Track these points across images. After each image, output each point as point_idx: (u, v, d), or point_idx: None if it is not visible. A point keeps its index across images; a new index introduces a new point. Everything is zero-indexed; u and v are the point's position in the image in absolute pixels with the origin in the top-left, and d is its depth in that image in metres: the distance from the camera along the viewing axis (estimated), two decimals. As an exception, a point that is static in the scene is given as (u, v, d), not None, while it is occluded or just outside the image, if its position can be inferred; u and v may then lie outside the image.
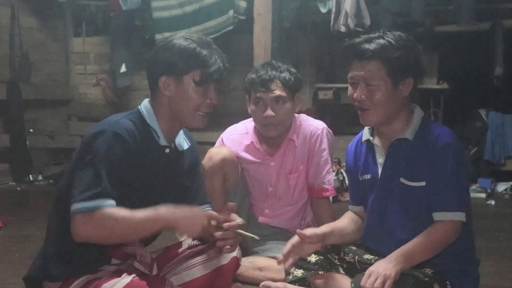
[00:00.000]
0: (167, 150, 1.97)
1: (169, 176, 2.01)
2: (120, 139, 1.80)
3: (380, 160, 2.11)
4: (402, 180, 2.04)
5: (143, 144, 1.88)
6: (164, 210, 1.81)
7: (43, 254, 1.90)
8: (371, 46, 1.97)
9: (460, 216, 1.98)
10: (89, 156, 1.78)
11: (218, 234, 1.95)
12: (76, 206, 1.74)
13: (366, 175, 2.16)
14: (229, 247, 1.98)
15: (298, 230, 2.07)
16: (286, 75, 2.59)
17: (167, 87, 1.90)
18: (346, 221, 2.25)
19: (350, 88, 2.07)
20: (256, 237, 2.04)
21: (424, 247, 1.95)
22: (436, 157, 1.98)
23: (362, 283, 1.88)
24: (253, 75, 2.62)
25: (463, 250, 2.06)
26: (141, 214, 1.78)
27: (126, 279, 1.77)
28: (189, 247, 2.12)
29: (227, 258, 2.07)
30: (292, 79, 2.60)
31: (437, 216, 1.98)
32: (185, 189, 2.09)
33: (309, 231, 2.10)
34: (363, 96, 2.01)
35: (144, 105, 1.96)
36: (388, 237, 2.08)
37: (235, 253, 2.07)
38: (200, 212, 1.89)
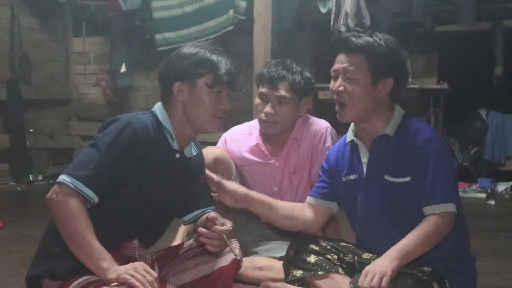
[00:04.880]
0: (178, 155, 2.01)
1: (175, 179, 2.03)
2: (131, 130, 1.85)
3: (365, 159, 2.13)
4: (386, 177, 2.06)
5: (155, 143, 1.92)
6: (109, 259, 1.76)
7: (45, 252, 1.91)
8: (358, 40, 2.04)
9: (450, 207, 1.98)
10: (97, 139, 1.86)
11: (200, 229, 1.98)
12: (62, 176, 1.80)
13: (351, 176, 2.17)
14: (212, 247, 1.99)
15: (217, 178, 2.13)
16: (296, 77, 2.57)
17: (181, 93, 1.96)
18: (286, 205, 2.30)
19: (332, 81, 2.10)
20: (236, 253, 2.04)
21: (418, 242, 1.95)
22: (418, 152, 2.01)
23: (359, 283, 1.88)
24: (264, 70, 2.63)
25: (457, 246, 2.06)
26: (89, 236, 1.76)
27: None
28: (190, 248, 2.12)
29: (227, 259, 2.07)
30: (302, 82, 2.58)
31: (427, 210, 1.99)
32: (189, 193, 2.11)
33: (233, 186, 2.16)
34: (341, 88, 2.05)
35: (158, 108, 2.01)
36: (382, 236, 2.09)
37: (236, 254, 2.07)
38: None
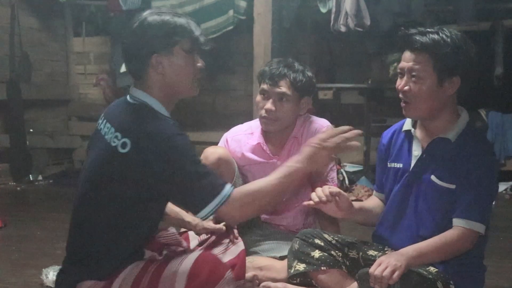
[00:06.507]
0: None
1: None
2: (185, 136, 1.80)
3: (416, 152, 2.11)
4: (433, 178, 2.04)
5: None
6: (293, 161, 1.90)
7: (81, 255, 1.83)
8: (423, 38, 1.99)
9: (479, 228, 1.98)
10: (184, 162, 1.75)
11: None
12: (212, 204, 1.75)
13: (396, 164, 2.17)
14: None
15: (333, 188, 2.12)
16: (298, 75, 2.58)
17: (159, 65, 1.85)
18: (374, 203, 2.29)
19: (398, 79, 2.08)
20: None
21: (438, 249, 1.97)
22: (472, 165, 1.99)
23: (371, 270, 1.89)
24: (266, 68, 2.65)
25: (473, 256, 2.06)
26: (274, 175, 1.87)
27: (194, 253, 1.76)
28: (200, 243, 2.14)
29: (241, 245, 2.12)
30: (303, 80, 2.59)
31: (457, 221, 1.99)
32: None
33: (345, 196, 2.14)
34: (405, 88, 2.03)
35: (143, 96, 1.87)
36: (403, 230, 2.10)
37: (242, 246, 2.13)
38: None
